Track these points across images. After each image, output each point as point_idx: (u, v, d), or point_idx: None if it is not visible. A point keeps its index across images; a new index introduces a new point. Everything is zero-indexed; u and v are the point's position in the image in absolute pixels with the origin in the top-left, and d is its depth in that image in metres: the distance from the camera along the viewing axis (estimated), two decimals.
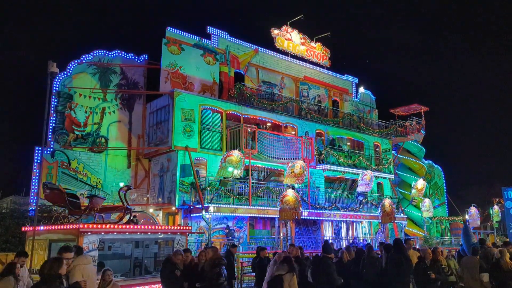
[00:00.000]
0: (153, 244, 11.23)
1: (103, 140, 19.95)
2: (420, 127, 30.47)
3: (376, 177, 25.23)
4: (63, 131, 18.93)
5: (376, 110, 31.00)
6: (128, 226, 10.68)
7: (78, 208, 11.01)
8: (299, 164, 20.02)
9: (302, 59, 26.87)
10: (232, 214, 18.54)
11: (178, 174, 18.42)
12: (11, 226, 15.38)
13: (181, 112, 19.00)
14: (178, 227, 12.69)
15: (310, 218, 21.48)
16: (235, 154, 17.60)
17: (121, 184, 17.87)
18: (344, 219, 23.64)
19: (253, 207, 18.75)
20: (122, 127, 20.71)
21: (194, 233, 17.18)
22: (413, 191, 27.51)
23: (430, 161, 35.68)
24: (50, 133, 18.56)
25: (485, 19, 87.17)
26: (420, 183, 27.32)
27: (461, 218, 32.10)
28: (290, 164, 20.15)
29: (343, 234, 24.48)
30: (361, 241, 22.53)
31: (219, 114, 20.49)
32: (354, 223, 24.93)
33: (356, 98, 30.10)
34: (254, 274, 11.49)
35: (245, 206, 18.48)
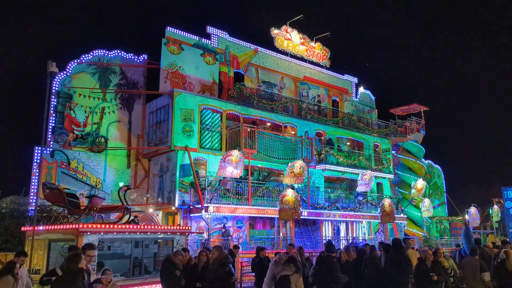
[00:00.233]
0: (153, 244, 11.22)
1: (102, 140, 19.94)
2: (420, 127, 30.46)
3: (375, 177, 25.22)
4: (63, 131, 18.93)
5: (376, 110, 31.00)
6: (127, 226, 10.67)
7: (78, 208, 10.99)
8: (298, 164, 20.02)
9: (301, 59, 26.88)
10: (232, 214, 18.53)
11: (177, 174, 18.42)
12: (10, 226, 15.39)
13: (180, 112, 18.99)
14: (178, 227, 12.69)
15: (309, 218, 21.48)
16: (235, 154, 17.60)
17: (121, 184, 17.88)
18: (344, 219, 23.64)
19: (253, 207, 18.75)
20: (121, 127, 20.71)
21: (193, 233, 17.17)
22: (413, 191, 27.51)
23: (429, 161, 35.67)
24: (49, 133, 18.56)
25: (485, 19, 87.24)
26: (420, 183, 27.32)
27: (461, 218, 32.10)
28: (289, 164, 20.15)
29: (342, 234, 24.46)
30: (361, 241, 22.53)
31: (219, 114, 20.49)
32: (354, 223, 24.93)
33: (356, 98, 30.11)
34: (253, 274, 11.48)
35: (244, 206, 18.48)
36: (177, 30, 21.60)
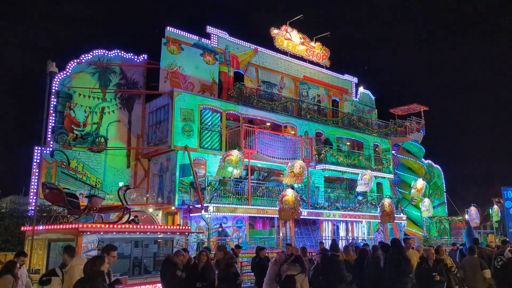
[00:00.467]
0: (153, 244, 11.22)
1: (102, 139, 19.94)
2: (419, 127, 30.45)
3: (375, 177, 25.22)
4: (63, 131, 18.92)
5: (376, 110, 31.01)
6: (127, 226, 10.68)
7: (77, 208, 11.00)
8: (298, 164, 20.02)
9: (301, 58, 26.88)
10: (232, 214, 18.53)
11: (177, 173, 18.41)
12: (10, 226, 15.40)
13: (180, 111, 18.99)
14: (178, 227, 12.69)
15: (309, 218, 21.48)
16: (235, 153, 17.60)
17: (121, 184, 17.89)
18: (344, 219, 23.64)
19: (253, 207, 18.75)
20: (121, 127, 20.70)
21: (193, 232, 17.17)
22: (413, 191, 27.51)
23: (429, 161, 35.68)
24: (49, 133, 18.55)
25: (485, 19, 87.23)
26: (420, 183, 27.32)
27: (461, 218, 32.11)
28: (289, 164, 20.15)
29: (342, 234, 24.45)
30: (360, 241, 22.53)
31: (219, 114, 20.49)
32: (354, 223, 24.92)
33: (356, 98, 30.11)
34: (253, 274, 11.48)
35: (244, 206, 18.48)
36: (177, 30, 21.61)
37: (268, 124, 23.03)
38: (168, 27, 21.32)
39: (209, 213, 17.20)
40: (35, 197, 13.78)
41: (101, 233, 9.98)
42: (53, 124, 18.81)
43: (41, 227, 10.77)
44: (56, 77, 18.74)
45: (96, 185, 19.14)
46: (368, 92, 31.00)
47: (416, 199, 28.52)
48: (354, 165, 24.27)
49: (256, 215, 19.48)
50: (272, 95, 23.64)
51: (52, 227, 10.54)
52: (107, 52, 20.80)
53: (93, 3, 70.19)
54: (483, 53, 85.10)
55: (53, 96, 18.91)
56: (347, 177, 24.89)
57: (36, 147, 17.95)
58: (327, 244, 21.89)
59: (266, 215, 19.74)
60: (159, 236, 11.40)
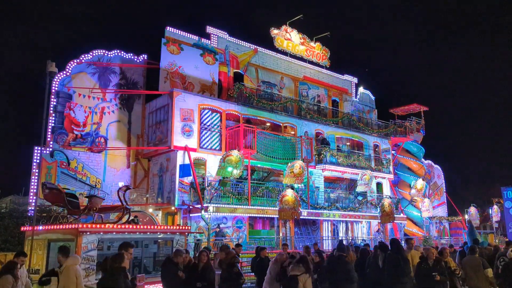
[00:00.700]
0: (152, 244, 11.23)
1: (102, 140, 19.94)
2: (419, 127, 30.48)
3: (375, 177, 25.22)
4: (62, 131, 18.92)
5: (376, 110, 31.01)
6: (127, 226, 10.67)
7: (77, 208, 10.99)
8: (298, 164, 20.02)
9: (301, 59, 26.89)
10: (232, 214, 18.52)
11: (177, 174, 18.41)
12: (10, 226, 15.39)
13: (180, 112, 18.99)
14: (177, 227, 12.68)
15: (309, 218, 21.47)
16: (235, 154, 17.59)
17: (120, 184, 17.87)
18: (344, 219, 23.64)
19: (253, 207, 18.74)
20: (121, 127, 20.70)
21: (193, 232, 17.17)
22: (413, 191, 27.51)
23: (429, 161, 35.68)
24: (49, 133, 18.53)
25: (485, 19, 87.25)
26: (420, 183, 27.33)
27: (461, 218, 32.12)
28: (289, 164, 20.14)
29: (341, 234, 24.45)
30: (360, 241, 22.52)
31: (219, 114, 20.49)
32: (354, 223, 24.92)
33: (356, 98, 30.12)
34: (253, 274, 11.48)
35: (244, 206, 18.47)
36: (177, 30, 21.61)
37: (268, 124, 23.03)
38: (168, 27, 21.33)
39: (209, 213, 17.19)
40: (35, 197, 13.79)
41: (101, 233, 9.97)
42: (53, 124, 18.80)
43: (41, 227, 10.76)
44: (56, 77, 18.74)
45: (96, 185, 19.14)
46: (368, 92, 31.00)
47: (416, 199, 28.51)
48: (354, 165, 24.28)
49: (256, 215, 19.47)
50: (272, 95, 23.63)
51: (52, 227, 10.52)
52: (107, 52, 20.79)
53: (93, 3, 70.23)
54: (483, 53, 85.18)
55: (53, 96, 18.90)
56: (347, 177, 24.89)
57: (36, 147, 17.94)
58: (327, 245, 22.02)
59: (266, 215, 19.73)
60: (159, 236, 11.40)
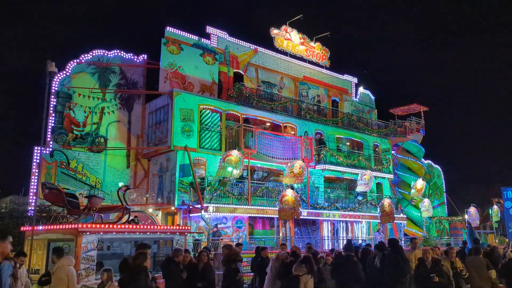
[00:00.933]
0: (152, 244, 11.22)
1: (102, 140, 19.94)
2: (419, 127, 30.45)
3: (375, 177, 25.21)
4: (62, 131, 18.92)
5: (376, 110, 31.00)
6: (126, 226, 10.67)
7: (77, 208, 10.99)
8: (298, 164, 20.01)
9: (301, 59, 26.89)
10: (232, 214, 18.52)
11: (177, 174, 18.40)
12: (10, 226, 15.38)
13: (180, 112, 18.99)
14: (177, 227, 12.68)
15: (309, 218, 21.47)
16: (234, 154, 17.60)
17: (120, 184, 17.87)
18: (344, 219, 23.63)
19: (253, 207, 18.74)
20: (121, 127, 20.70)
21: (193, 232, 17.16)
22: (413, 191, 27.50)
23: (429, 161, 35.67)
24: (49, 133, 18.54)
25: (485, 19, 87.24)
26: (420, 183, 27.32)
27: (461, 218, 32.09)
28: (289, 164, 20.14)
29: (341, 234, 24.44)
30: (360, 241, 22.51)
31: (219, 114, 20.48)
32: (354, 223, 24.91)
33: (356, 98, 30.11)
34: (252, 274, 11.45)
35: (244, 206, 18.47)
36: (177, 30, 21.61)
37: (268, 124, 23.03)
38: (168, 27, 21.33)
39: (208, 213, 17.18)
40: (34, 197, 13.79)
41: (101, 233, 9.97)
42: (52, 124, 18.81)
43: (40, 227, 10.77)
44: (56, 77, 18.75)
45: (95, 185, 19.14)
46: (368, 92, 30.99)
47: (416, 199, 28.51)
48: (354, 165, 24.27)
49: (256, 215, 19.47)
50: (272, 95, 23.62)
51: (52, 227, 10.53)
52: (106, 52, 20.79)
53: (93, 3, 70.23)
54: (483, 53, 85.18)
55: (52, 96, 18.90)
56: (347, 177, 24.89)
57: (36, 147, 17.94)
58: (327, 245, 22.00)
59: (266, 215, 19.73)
60: (159, 236, 11.40)
